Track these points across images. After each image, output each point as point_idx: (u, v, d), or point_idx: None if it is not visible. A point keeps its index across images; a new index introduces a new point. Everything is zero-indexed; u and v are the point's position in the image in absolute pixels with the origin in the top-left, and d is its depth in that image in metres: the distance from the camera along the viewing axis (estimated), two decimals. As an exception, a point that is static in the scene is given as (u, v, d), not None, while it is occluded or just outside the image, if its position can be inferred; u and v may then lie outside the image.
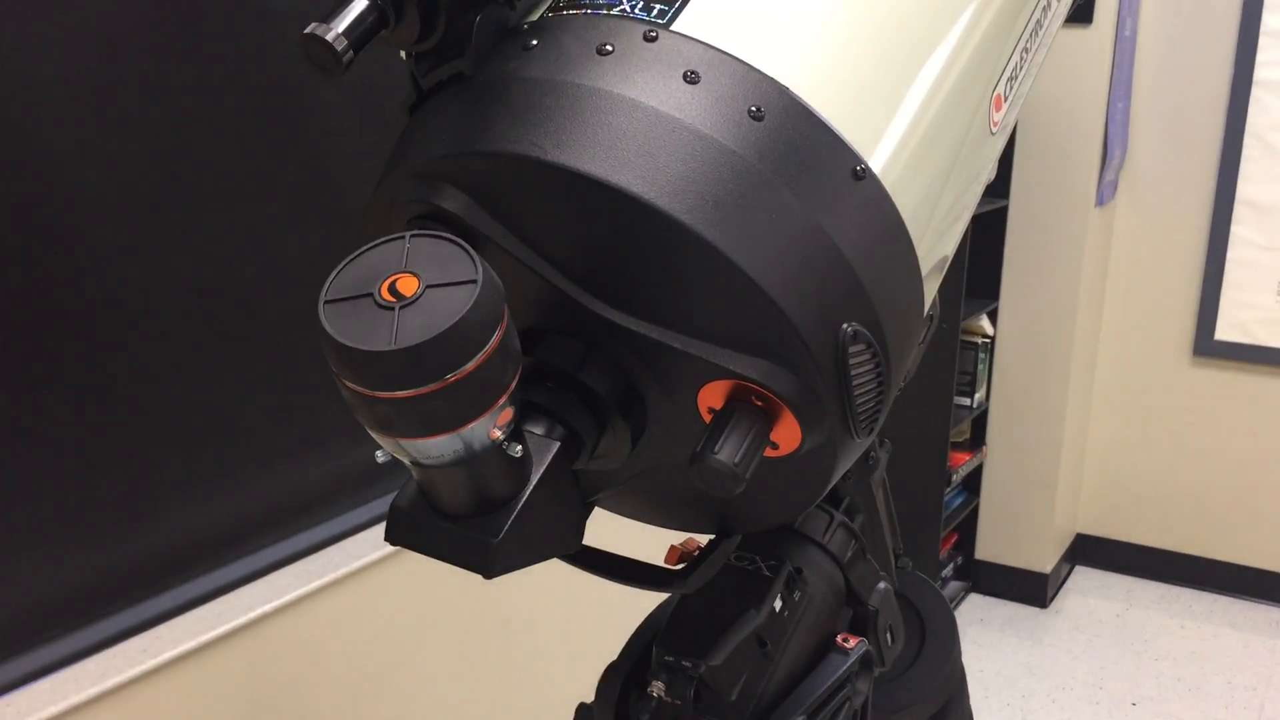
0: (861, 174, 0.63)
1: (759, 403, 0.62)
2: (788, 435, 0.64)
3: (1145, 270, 3.37)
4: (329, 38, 0.60)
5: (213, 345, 1.28)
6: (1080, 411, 3.44)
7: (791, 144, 0.61)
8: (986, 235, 3.20)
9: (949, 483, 3.19)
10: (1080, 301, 3.21)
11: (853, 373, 0.62)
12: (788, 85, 0.62)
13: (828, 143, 0.62)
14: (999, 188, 3.18)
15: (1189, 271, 3.31)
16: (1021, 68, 0.79)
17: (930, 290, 0.74)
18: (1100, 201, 3.17)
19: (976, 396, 3.31)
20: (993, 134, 0.76)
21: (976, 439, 3.42)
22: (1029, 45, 0.79)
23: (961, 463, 3.27)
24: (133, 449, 1.21)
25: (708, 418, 0.65)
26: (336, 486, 1.49)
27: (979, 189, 0.80)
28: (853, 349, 0.62)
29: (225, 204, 1.25)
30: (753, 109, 0.61)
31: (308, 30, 0.60)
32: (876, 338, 0.63)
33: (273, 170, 1.30)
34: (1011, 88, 0.77)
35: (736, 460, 0.60)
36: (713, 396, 0.64)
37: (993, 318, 3.31)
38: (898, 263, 0.66)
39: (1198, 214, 3.27)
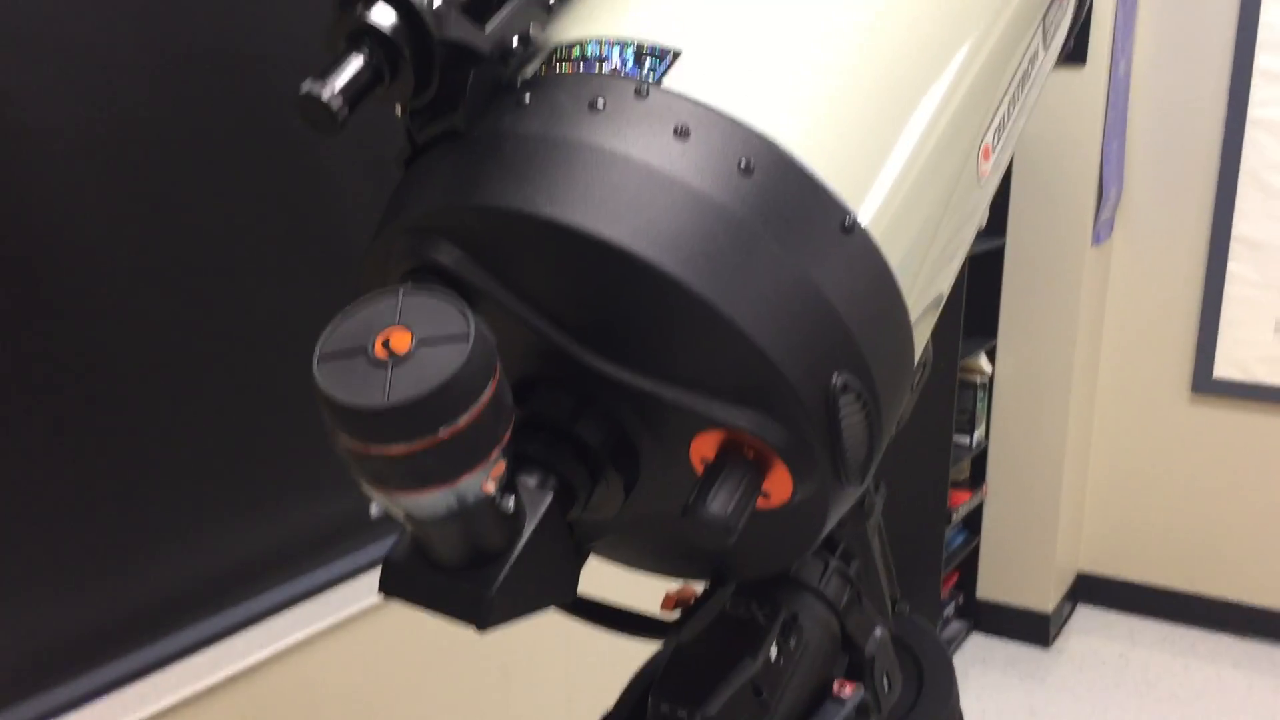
0: (850, 227, 0.64)
1: (751, 453, 0.63)
2: (780, 485, 0.64)
3: (1143, 308, 3.38)
4: (325, 97, 0.61)
5: (208, 389, 1.28)
6: (1080, 449, 3.44)
7: (781, 198, 0.62)
8: (984, 273, 3.21)
9: (949, 521, 3.18)
10: (1078, 339, 3.22)
11: (843, 422, 0.63)
12: (776, 140, 0.63)
13: (816, 196, 0.63)
14: (996, 226, 3.20)
15: (1186, 309, 3.32)
16: (1009, 118, 0.80)
17: (922, 336, 0.75)
18: (1096, 240, 3.18)
19: (976, 435, 3.31)
20: (981, 184, 0.77)
21: (976, 477, 3.42)
22: (1016, 96, 0.80)
23: (962, 501, 3.27)
24: (124, 493, 1.22)
25: (700, 468, 0.65)
26: (333, 531, 1.49)
27: (971, 233, 0.81)
28: (843, 399, 0.62)
29: (221, 247, 1.26)
30: (742, 163, 0.62)
31: (303, 89, 0.61)
32: (867, 387, 0.64)
33: (270, 216, 1.31)
34: (999, 138, 0.78)
35: (729, 512, 0.61)
36: (705, 447, 0.64)
37: (991, 356, 3.31)
38: (887, 313, 0.67)
39: (1194, 252, 3.28)
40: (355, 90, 0.62)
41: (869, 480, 0.76)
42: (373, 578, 1.52)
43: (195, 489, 1.29)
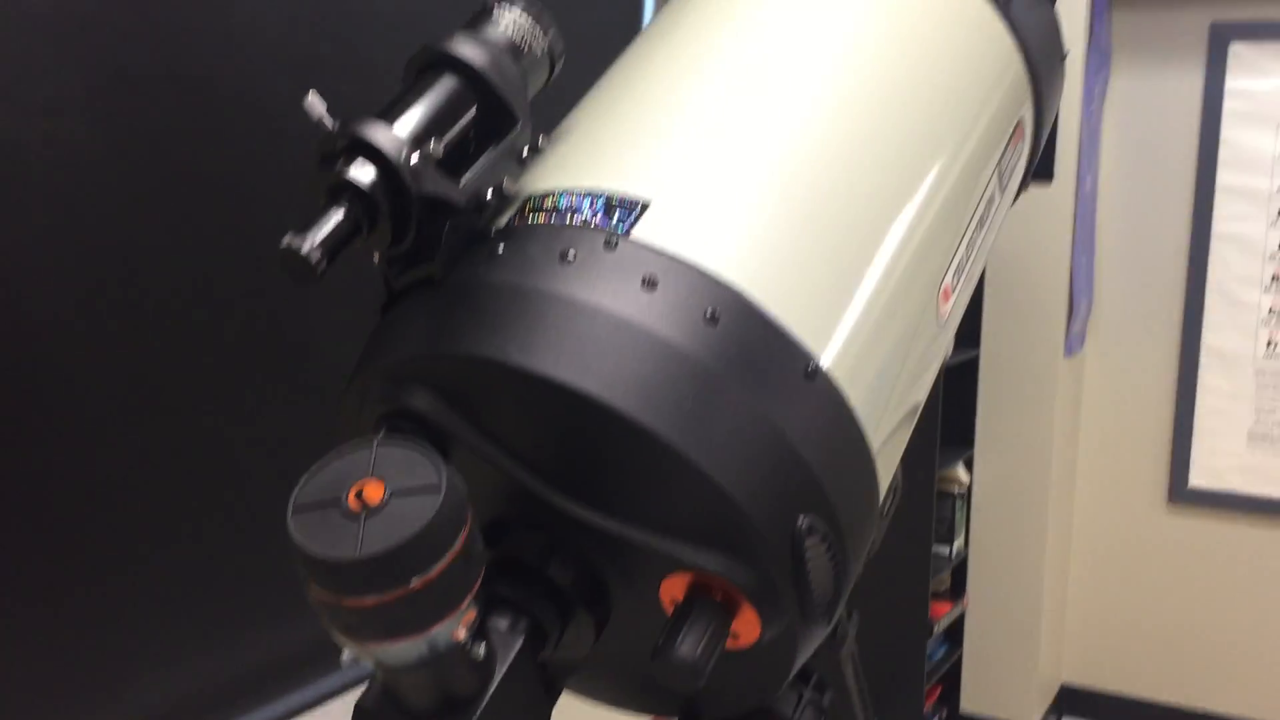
0: (813, 373, 0.66)
1: (719, 595, 0.64)
2: (748, 626, 0.65)
3: (1117, 418, 3.42)
4: (304, 250, 0.63)
5: (187, 513, 1.28)
6: (1059, 559, 3.44)
7: (746, 346, 0.64)
8: (959, 384, 3.25)
9: (931, 633, 3.16)
10: (1054, 450, 3.24)
11: (810, 564, 0.64)
12: (741, 289, 0.66)
13: (780, 344, 0.65)
14: (970, 338, 3.24)
15: (1160, 419, 3.36)
16: (968, 260, 0.83)
17: (891, 460, 0.77)
18: (1069, 352, 3.23)
19: (955, 545, 3.31)
20: (942, 324, 0.79)
21: (957, 588, 3.41)
22: (974, 238, 0.83)
23: (943, 613, 3.25)
24: (102, 616, 1.21)
25: (670, 608, 0.66)
26: (303, 659, 1.47)
27: (935, 367, 0.83)
28: (809, 541, 0.64)
29: (205, 369, 1.27)
30: (708, 312, 0.64)
31: (284, 243, 0.63)
32: (832, 528, 0.65)
33: (252, 341, 1.32)
34: (959, 279, 0.81)
35: (697, 655, 0.61)
36: (675, 588, 0.65)
37: (969, 466, 3.33)
38: (851, 453, 0.69)
39: (1165, 363, 3.33)
40: (334, 243, 0.65)
41: (838, 614, 0.77)
42: (342, 704, 1.50)
43: (162, 614, 1.29)
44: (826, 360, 0.67)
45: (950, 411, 3.21)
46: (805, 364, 0.66)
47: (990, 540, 3.35)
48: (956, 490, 3.28)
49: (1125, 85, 3.28)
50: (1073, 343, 3.25)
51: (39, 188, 1.09)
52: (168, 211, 1.20)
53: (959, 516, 3.31)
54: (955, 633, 3.43)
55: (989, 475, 3.33)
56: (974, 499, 3.36)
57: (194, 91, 1.20)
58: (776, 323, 0.66)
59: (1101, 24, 3.12)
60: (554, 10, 0.79)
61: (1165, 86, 3.24)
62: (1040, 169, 3.09)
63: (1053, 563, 3.36)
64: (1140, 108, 3.27)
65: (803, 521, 0.63)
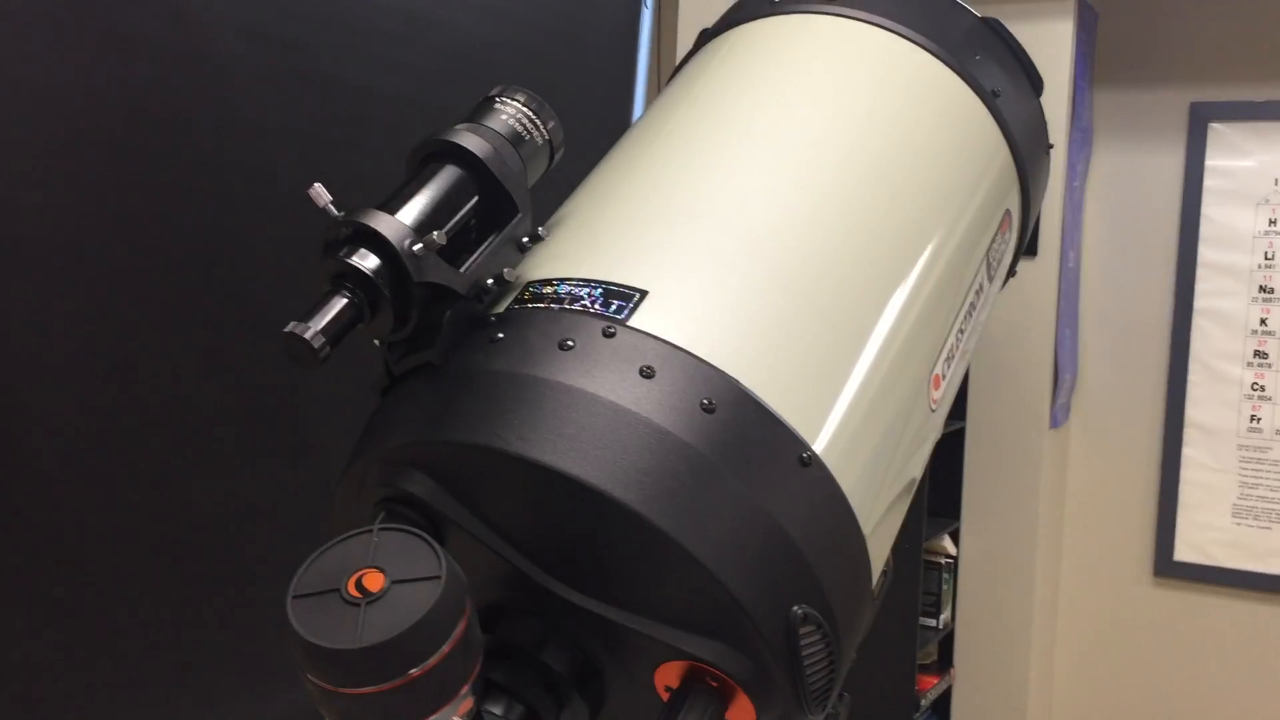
0: (807, 461, 0.67)
1: (714, 683, 0.64)
2: (743, 714, 0.66)
3: (1102, 491, 3.43)
4: (307, 336, 0.64)
5: (183, 595, 1.27)
6: (1046, 632, 3.43)
7: (741, 435, 0.65)
8: (946, 455, 3.26)
9: (918, 707, 3.14)
10: (1040, 521, 3.25)
11: (804, 653, 0.65)
12: (737, 378, 0.67)
13: (775, 432, 0.66)
14: (955, 409, 3.26)
15: (1145, 493, 3.37)
16: (958, 348, 0.84)
17: (885, 542, 0.77)
18: (1054, 424, 3.25)
19: (942, 617, 3.29)
20: (933, 411, 0.81)
21: (944, 661, 3.39)
22: (964, 326, 0.85)
23: (930, 686, 3.23)
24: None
25: (665, 695, 0.66)
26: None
27: (929, 445, 0.84)
28: (803, 630, 0.64)
29: (203, 441, 1.27)
30: (704, 401, 0.65)
31: (288, 329, 0.65)
32: (826, 617, 0.66)
33: (253, 417, 1.32)
34: (949, 367, 0.82)
35: None
36: (669, 675, 0.66)
37: (955, 537, 3.33)
38: (844, 539, 0.70)
39: (1149, 436, 3.35)
40: (337, 329, 0.66)
41: (832, 700, 0.77)
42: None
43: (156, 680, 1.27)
44: (819, 445, 0.68)
45: (936, 483, 3.22)
46: (799, 452, 0.67)
47: (977, 612, 3.34)
48: (943, 562, 3.28)
49: (1107, 162, 3.33)
50: (1057, 415, 3.27)
51: (33, 260, 1.09)
52: (167, 286, 1.20)
53: (946, 588, 3.30)
54: (943, 706, 3.40)
55: (975, 547, 3.32)
56: (960, 571, 3.35)
57: (196, 169, 1.22)
58: (771, 410, 0.67)
59: (1083, 102, 3.18)
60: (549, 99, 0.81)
61: (1147, 164, 3.30)
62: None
63: (1040, 635, 3.35)
64: (1122, 184, 3.33)
65: (797, 611, 0.64)
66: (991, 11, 0.96)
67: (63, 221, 1.11)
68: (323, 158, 1.34)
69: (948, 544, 3.29)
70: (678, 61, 0.99)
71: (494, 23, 1.58)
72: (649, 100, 1.77)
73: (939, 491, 3.26)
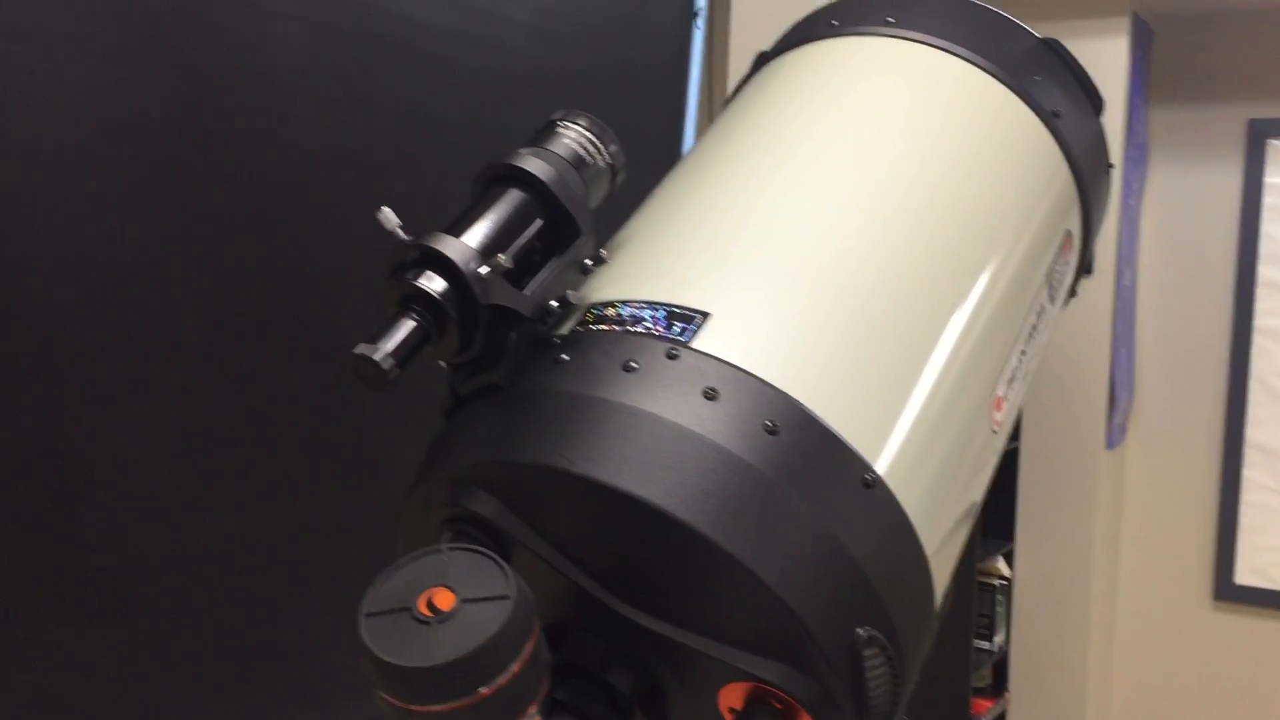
0: (871, 482, 0.67)
1: (778, 705, 0.64)
2: (806, 736, 0.65)
3: (1161, 513, 3.38)
4: (377, 358, 0.65)
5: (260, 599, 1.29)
6: (1103, 656, 3.38)
7: (804, 456, 0.65)
8: (999, 476, 3.21)
9: (972, 731, 3.10)
10: (1096, 543, 3.21)
11: (867, 675, 0.65)
12: (799, 399, 0.67)
13: (838, 453, 0.66)
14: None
15: (1204, 514, 3.32)
16: (1020, 369, 0.84)
17: (947, 564, 0.77)
18: (1110, 445, 3.21)
19: (996, 640, 3.26)
20: (995, 432, 0.80)
21: (999, 684, 3.35)
22: (1026, 348, 0.84)
23: (984, 710, 3.19)
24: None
25: (729, 716, 0.66)
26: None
27: (992, 467, 0.84)
28: (867, 652, 0.64)
29: (274, 463, 1.29)
30: (768, 423, 0.65)
31: (357, 351, 0.66)
32: (889, 639, 0.66)
33: (322, 439, 1.33)
34: (1011, 389, 0.82)
35: None
36: (733, 697, 0.66)
37: (1008, 559, 3.29)
38: (907, 561, 0.69)
39: (1208, 457, 3.30)
40: (405, 351, 0.67)
41: (893, 724, 0.76)
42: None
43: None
44: (882, 468, 0.68)
45: (990, 503, 3.18)
46: (863, 473, 0.67)
47: (1032, 635, 3.30)
48: (997, 584, 3.24)
49: (1164, 180, 3.30)
50: (1114, 435, 3.23)
51: (101, 283, 1.12)
52: (232, 307, 1.23)
53: (1000, 610, 3.26)
54: (997, 730, 3.36)
55: (1030, 569, 3.28)
56: (1015, 593, 3.31)
57: (259, 193, 1.24)
58: (834, 432, 0.67)
59: (1139, 119, 3.15)
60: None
61: (1204, 181, 3.26)
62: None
63: (1096, 659, 3.30)
64: (1179, 202, 3.29)
65: (861, 633, 0.64)
66: (1046, 29, 0.96)
67: (129, 245, 1.14)
68: (379, 178, 1.36)
69: (1002, 565, 3.25)
70: (729, 82, 1.00)
71: (546, 45, 1.60)
72: (700, 121, 1.78)
73: (992, 512, 3.23)
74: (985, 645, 3.23)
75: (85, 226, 1.09)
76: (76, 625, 1.14)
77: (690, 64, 1.84)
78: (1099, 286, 3.08)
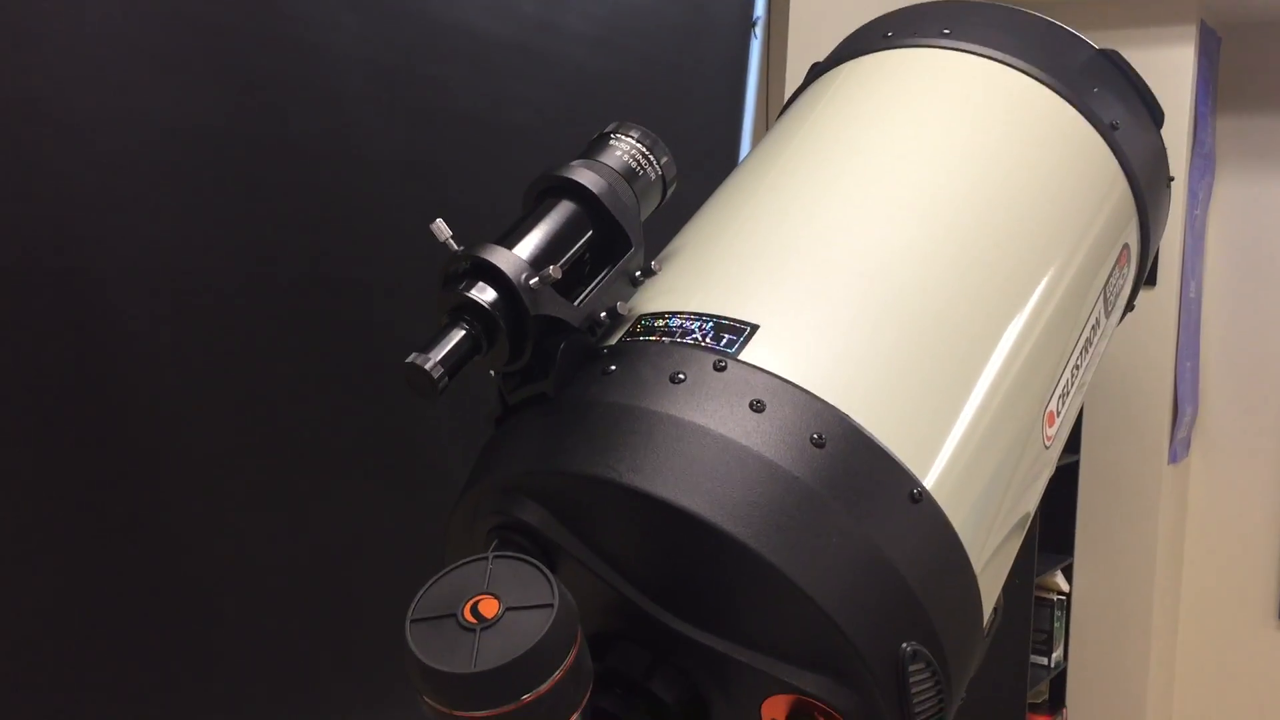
0: (918, 496, 0.66)
1: (821, 718, 0.64)
2: (850, 751, 0.65)
3: (1224, 529, 3.31)
4: (427, 367, 0.66)
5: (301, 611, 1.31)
6: (1164, 675, 3.32)
7: (851, 470, 0.65)
8: (1059, 489, 3.19)
9: (1028, 747, 3.07)
10: (1157, 560, 3.15)
11: (913, 690, 0.64)
12: (847, 413, 0.67)
13: (885, 467, 0.66)
14: (1070, 443, 3.18)
15: (1269, 532, 3.25)
16: (1073, 384, 0.83)
17: (997, 579, 0.76)
18: (1173, 459, 3.15)
19: (1054, 656, 3.21)
20: (1047, 448, 0.79)
21: (1056, 700, 3.30)
22: (1079, 363, 0.83)
23: (1041, 726, 3.16)
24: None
25: (772, 729, 0.66)
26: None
27: (1044, 480, 0.83)
28: (913, 667, 0.64)
29: (324, 469, 1.31)
30: (814, 436, 0.65)
31: (409, 360, 0.67)
32: (936, 654, 0.65)
33: (378, 449, 1.34)
34: (1064, 404, 0.81)
35: None
36: (776, 709, 0.66)
37: (1067, 574, 3.25)
38: (955, 576, 0.69)
39: (1274, 473, 3.23)
40: (455, 360, 0.68)
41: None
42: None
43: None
44: (930, 481, 0.68)
45: (1048, 517, 3.15)
46: (910, 488, 0.66)
47: (1091, 652, 3.25)
48: (1056, 599, 3.20)
49: (1231, 190, 3.24)
50: (1177, 449, 3.17)
51: (162, 291, 1.14)
52: (288, 316, 1.24)
53: (1058, 626, 3.22)
54: (1054, 747, 3.32)
55: (1089, 584, 3.24)
56: (1073, 608, 3.26)
57: (322, 202, 1.26)
58: (882, 446, 0.67)
59: (1205, 128, 3.10)
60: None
61: (1271, 190, 3.20)
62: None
63: (1157, 678, 3.25)
64: (1246, 213, 3.23)
65: (907, 648, 0.64)
66: (1112, 38, 0.95)
67: (192, 253, 1.16)
68: (438, 188, 1.37)
69: (1060, 580, 3.21)
70: (786, 93, 1.00)
71: (606, 55, 1.60)
72: (757, 132, 1.77)
73: (1051, 526, 3.19)
74: (1042, 661, 3.19)
75: (152, 236, 1.11)
76: (148, 626, 1.16)
77: (748, 74, 1.84)
78: (1163, 298, 3.03)
